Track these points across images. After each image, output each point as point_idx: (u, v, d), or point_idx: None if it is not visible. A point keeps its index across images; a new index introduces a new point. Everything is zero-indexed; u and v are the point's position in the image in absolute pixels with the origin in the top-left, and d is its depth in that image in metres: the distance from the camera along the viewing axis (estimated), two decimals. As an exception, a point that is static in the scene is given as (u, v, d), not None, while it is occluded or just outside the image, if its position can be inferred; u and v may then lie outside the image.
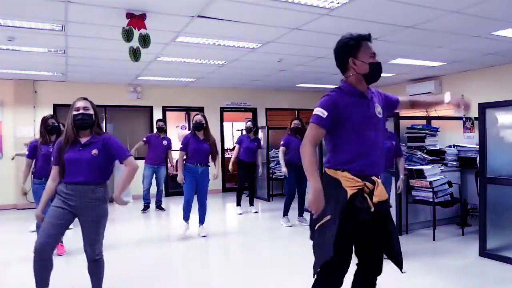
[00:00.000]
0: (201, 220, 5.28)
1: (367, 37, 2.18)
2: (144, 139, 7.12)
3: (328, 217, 2.01)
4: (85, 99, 2.83)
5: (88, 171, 2.74)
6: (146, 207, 7.13)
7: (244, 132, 7.10)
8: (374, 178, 2.09)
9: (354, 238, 2.09)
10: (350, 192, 2.02)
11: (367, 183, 2.06)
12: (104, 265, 2.91)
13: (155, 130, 7.44)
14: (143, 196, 7.11)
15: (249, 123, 6.98)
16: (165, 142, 7.22)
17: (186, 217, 5.21)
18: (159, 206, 7.30)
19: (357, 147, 2.09)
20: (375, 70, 2.16)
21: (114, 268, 3.81)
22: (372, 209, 2.02)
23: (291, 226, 5.66)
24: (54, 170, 2.80)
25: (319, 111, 2.09)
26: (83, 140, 2.79)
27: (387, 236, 2.14)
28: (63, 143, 2.77)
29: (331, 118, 2.08)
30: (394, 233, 2.17)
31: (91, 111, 2.79)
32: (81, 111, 2.74)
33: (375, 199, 2.03)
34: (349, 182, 2.04)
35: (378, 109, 2.21)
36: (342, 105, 2.09)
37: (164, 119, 9.04)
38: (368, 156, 2.10)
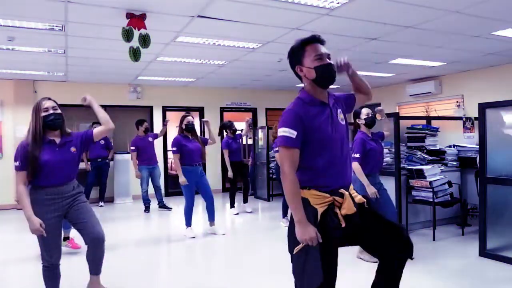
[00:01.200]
0: (213, 217, 5.32)
1: (313, 39, 2.03)
2: (133, 148, 7.00)
3: None
4: (50, 99, 2.78)
5: (69, 170, 2.78)
6: (147, 208, 7.13)
7: (227, 135, 6.89)
8: (342, 191, 2.00)
9: (336, 254, 1.99)
10: (320, 209, 1.93)
11: (336, 198, 1.97)
12: None
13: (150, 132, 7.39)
14: (143, 198, 7.11)
15: (235, 127, 6.85)
16: (150, 139, 7.23)
17: (190, 223, 5.22)
18: (162, 206, 7.28)
19: (324, 160, 1.97)
20: (324, 72, 1.99)
21: (114, 268, 3.82)
22: (343, 225, 1.95)
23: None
24: (23, 175, 2.64)
25: (286, 131, 1.92)
26: (57, 140, 2.75)
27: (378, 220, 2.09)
28: (30, 146, 2.63)
29: (301, 136, 1.93)
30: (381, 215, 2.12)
31: (59, 110, 2.76)
32: (51, 111, 2.70)
33: (343, 211, 1.96)
34: (318, 199, 1.94)
35: (341, 116, 2.11)
36: (306, 118, 1.95)
37: (163, 118, 9.06)
38: (335, 167, 2.00)
